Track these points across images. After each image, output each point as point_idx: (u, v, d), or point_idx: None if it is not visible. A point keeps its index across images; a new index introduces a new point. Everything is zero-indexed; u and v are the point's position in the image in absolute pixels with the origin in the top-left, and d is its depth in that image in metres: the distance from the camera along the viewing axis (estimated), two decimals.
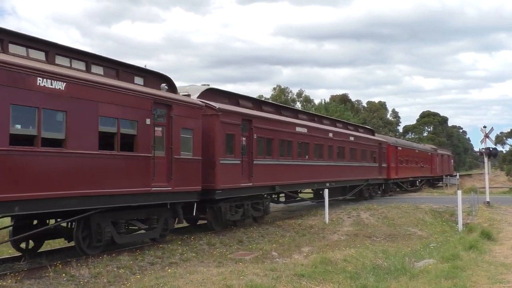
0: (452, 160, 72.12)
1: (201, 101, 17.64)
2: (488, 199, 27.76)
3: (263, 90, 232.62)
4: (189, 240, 16.82)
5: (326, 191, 23.94)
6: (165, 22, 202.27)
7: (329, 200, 23.92)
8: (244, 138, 19.88)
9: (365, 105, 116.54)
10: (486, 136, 29.15)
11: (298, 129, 24.68)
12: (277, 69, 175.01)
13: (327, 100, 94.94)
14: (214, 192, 17.81)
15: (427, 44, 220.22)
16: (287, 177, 23.31)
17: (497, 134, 79.16)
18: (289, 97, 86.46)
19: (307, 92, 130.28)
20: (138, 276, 11.78)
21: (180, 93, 17.51)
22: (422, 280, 9.95)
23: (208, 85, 20.71)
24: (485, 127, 29.38)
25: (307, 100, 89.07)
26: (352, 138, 31.96)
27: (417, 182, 50.02)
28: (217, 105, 18.34)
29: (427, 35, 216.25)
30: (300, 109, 27.54)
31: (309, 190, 30.26)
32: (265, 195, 22.11)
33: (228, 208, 19.24)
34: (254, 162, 20.38)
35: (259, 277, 9.83)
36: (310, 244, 17.79)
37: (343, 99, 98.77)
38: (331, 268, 11.33)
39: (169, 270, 11.81)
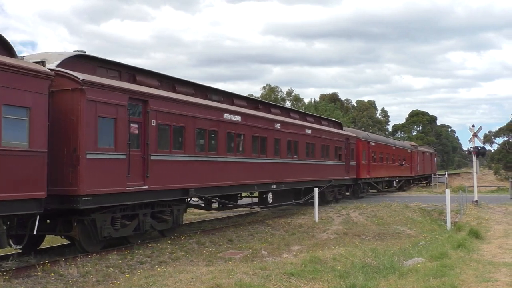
0: (435, 159, 68.63)
1: (49, 69, 12.54)
2: (476, 198, 27.93)
3: (254, 88, 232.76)
4: (179, 239, 16.77)
5: (270, 195, 22.19)
6: (155, 20, 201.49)
7: (278, 205, 22.93)
8: (135, 125, 14.77)
9: (355, 104, 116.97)
10: (475, 135, 29.32)
11: (227, 116, 19.23)
12: (267, 68, 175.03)
13: (317, 99, 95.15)
14: (77, 199, 12.69)
15: (417, 43, 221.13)
16: (210, 177, 18.10)
17: (486, 133, 79.68)
18: (279, 96, 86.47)
19: (297, 91, 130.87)
20: (127, 275, 11.75)
21: (31, 60, 12.86)
22: (411, 279, 9.99)
23: (84, 52, 14.77)
24: (473, 126, 29.54)
25: (297, 99, 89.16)
26: (308, 131, 26.94)
27: (394, 182, 45.72)
28: (82, 76, 13.03)
29: (417, 34, 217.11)
30: (236, 93, 22.86)
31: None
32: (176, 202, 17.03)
33: (107, 221, 13.99)
34: (152, 157, 15.15)
35: (248, 276, 9.83)
36: (300, 243, 17.82)
37: (333, 98, 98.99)
38: (321, 266, 11.35)
39: (159, 269, 11.77)
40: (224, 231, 19.09)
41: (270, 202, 22.44)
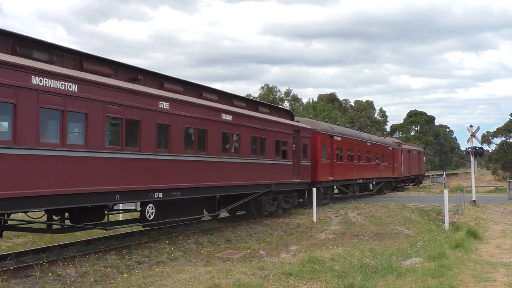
0: (424, 158, 61.43)
1: None
2: (474, 198, 27.96)
3: (252, 88, 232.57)
4: (177, 239, 16.77)
5: (151, 208, 15.30)
6: (153, 20, 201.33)
7: (174, 222, 17.72)
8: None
9: (353, 104, 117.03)
10: (473, 135, 29.36)
11: (40, 80, 11.67)
12: (266, 67, 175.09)
13: (315, 99, 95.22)
14: None
15: (415, 43, 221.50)
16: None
17: (484, 134, 79.80)
18: (277, 96, 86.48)
19: (295, 91, 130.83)
20: (125, 275, 11.74)
21: None
22: (409, 279, 9.99)
23: None
24: (471, 126, 29.61)
25: (295, 99, 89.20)
26: (228, 118, 19.28)
27: (371, 185, 38.68)
28: None
29: (415, 34, 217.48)
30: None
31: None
32: None
33: None
34: None
35: (246, 276, 9.82)
36: (298, 243, 17.82)
37: (331, 98, 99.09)
38: (319, 267, 11.35)
39: (157, 269, 11.77)
40: (222, 231, 19.08)
41: (151, 218, 15.33)
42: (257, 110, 22.86)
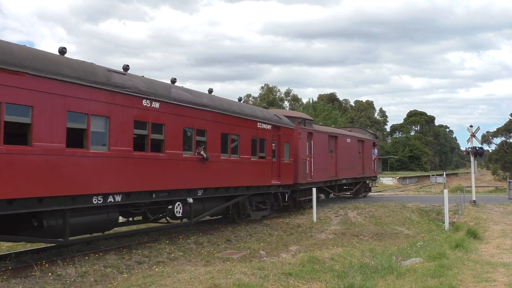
0: (375, 151, 38.30)
1: None
2: (474, 198, 27.96)
3: (252, 88, 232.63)
4: (177, 239, 16.77)
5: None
6: (153, 20, 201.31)
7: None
8: None
9: (353, 104, 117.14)
10: (473, 135, 29.35)
11: None
12: (266, 67, 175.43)
13: (315, 99, 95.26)
14: None
15: (416, 43, 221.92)
16: None
17: (484, 134, 79.89)
18: (277, 96, 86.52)
19: (296, 91, 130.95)
20: (125, 275, 11.74)
21: None
22: (409, 279, 10.00)
23: None
24: (471, 126, 29.58)
25: (295, 99, 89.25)
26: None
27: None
28: None
29: (416, 34, 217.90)
30: None
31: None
32: None
33: None
34: None
35: (246, 276, 9.83)
36: (298, 243, 17.83)
37: (331, 98, 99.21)
38: (319, 267, 11.36)
39: (157, 269, 11.77)
40: (222, 231, 19.08)
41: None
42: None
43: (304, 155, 25.78)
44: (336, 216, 24.14)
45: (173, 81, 17.11)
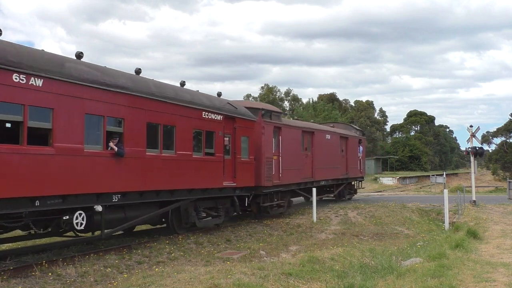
0: (360, 149, 35.04)
1: None
2: (474, 198, 27.96)
3: (252, 88, 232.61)
4: (177, 239, 16.76)
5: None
6: (153, 20, 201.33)
7: None
8: None
9: (353, 104, 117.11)
10: (473, 135, 29.34)
11: None
12: (266, 67, 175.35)
13: (315, 99, 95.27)
14: None
15: (416, 43, 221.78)
16: None
17: (484, 134, 79.84)
18: (277, 96, 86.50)
19: (296, 91, 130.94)
20: (125, 275, 11.74)
21: None
22: (409, 279, 9.99)
23: None
24: (471, 126, 29.58)
25: (295, 99, 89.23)
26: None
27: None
28: None
29: (416, 34, 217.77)
30: None
31: None
32: None
33: None
34: None
35: (246, 276, 9.83)
36: (298, 243, 17.82)
37: (331, 98, 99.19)
38: (319, 267, 11.35)
39: (157, 269, 11.77)
40: (222, 231, 19.07)
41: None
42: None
43: (270, 153, 22.04)
44: (336, 216, 24.14)
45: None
